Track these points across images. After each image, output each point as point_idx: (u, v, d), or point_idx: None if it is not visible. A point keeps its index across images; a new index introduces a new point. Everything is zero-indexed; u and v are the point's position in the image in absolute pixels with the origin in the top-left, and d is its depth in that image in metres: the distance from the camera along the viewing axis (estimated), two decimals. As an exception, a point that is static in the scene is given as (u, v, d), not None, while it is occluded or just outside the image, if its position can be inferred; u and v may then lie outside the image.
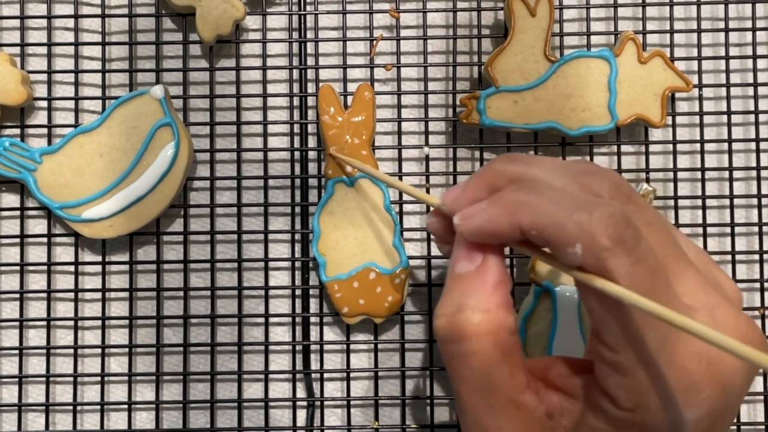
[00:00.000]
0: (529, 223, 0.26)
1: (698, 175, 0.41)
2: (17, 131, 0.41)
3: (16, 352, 0.41)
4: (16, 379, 0.41)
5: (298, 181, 0.41)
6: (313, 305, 0.41)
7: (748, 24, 0.42)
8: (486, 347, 0.27)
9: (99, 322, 0.41)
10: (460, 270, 0.28)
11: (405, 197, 0.41)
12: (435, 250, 0.41)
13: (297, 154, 0.41)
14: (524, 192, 0.27)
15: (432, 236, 0.31)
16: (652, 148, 0.42)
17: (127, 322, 0.41)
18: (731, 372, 0.26)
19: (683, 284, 0.27)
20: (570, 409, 0.28)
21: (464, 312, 0.27)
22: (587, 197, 0.27)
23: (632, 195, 0.28)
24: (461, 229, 0.28)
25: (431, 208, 0.31)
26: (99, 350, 0.41)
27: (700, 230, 0.41)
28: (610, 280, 0.25)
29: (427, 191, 0.41)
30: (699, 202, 0.41)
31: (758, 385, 0.41)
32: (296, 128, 0.41)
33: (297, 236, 0.41)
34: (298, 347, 0.41)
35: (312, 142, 0.42)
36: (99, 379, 0.41)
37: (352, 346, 0.41)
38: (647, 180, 0.41)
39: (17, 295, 0.41)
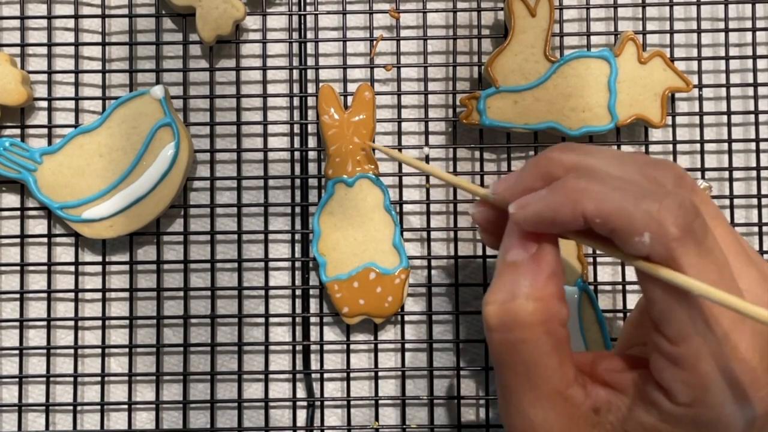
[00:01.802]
0: (593, 210, 0.26)
1: (698, 175, 0.41)
2: (17, 131, 0.41)
3: (16, 352, 0.41)
4: (16, 379, 0.41)
5: (298, 181, 0.41)
6: (313, 305, 0.41)
7: (748, 24, 0.42)
8: (539, 337, 0.27)
9: (99, 322, 0.41)
10: (513, 258, 0.28)
11: (405, 198, 0.41)
12: (435, 250, 0.41)
13: (297, 154, 0.41)
14: (587, 179, 0.26)
15: (477, 228, 0.30)
16: (652, 148, 0.42)
17: (127, 322, 0.41)
18: None
19: (744, 280, 0.27)
20: (617, 404, 0.27)
21: (518, 300, 0.27)
22: (653, 186, 0.26)
23: (695, 188, 0.28)
24: (517, 218, 0.27)
25: (475, 199, 0.31)
26: (99, 350, 0.41)
27: (700, 230, 0.41)
28: (677, 271, 0.25)
29: (427, 192, 0.41)
30: (699, 202, 0.41)
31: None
32: (296, 128, 0.41)
33: (297, 236, 0.41)
34: (298, 347, 0.41)
35: (312, 142, 0.42)
36: (99, 379, 0.41)
37: (352, 346, 0.41)
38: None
39: (17, 295, 0.41)
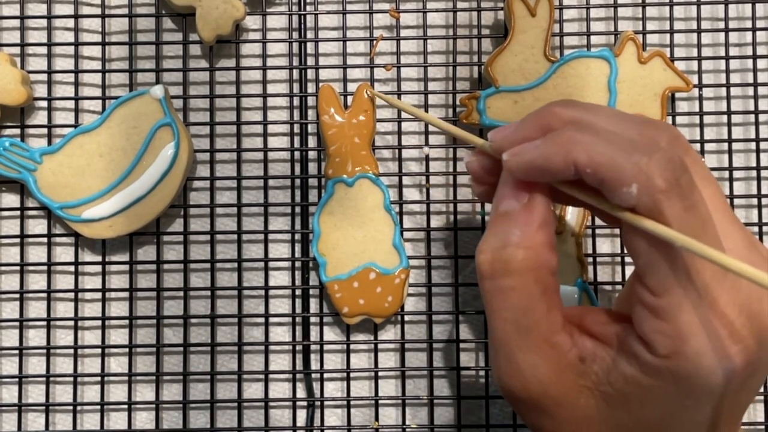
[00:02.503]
0: (585, 160, 0.26)
1: (698, 175, 0.41)
2: (17, 131, 0.41)
3: (16, 352, 0.41)
4: (16, 379, 0.41)
5: (298, 181, 0.41)
6: (313, 305, 0.41)
7: (748, 24, 0.42)
8: (528, 283, 0.28)
9: (99, 322, 0.41)
10: (505, 207, 0.29)
11: (405, 198, 0.41)
12: (435, 250, 0.41)
13: (297, 154, 0.41)
14: (582, 131, 0.27)
15: (472, 183, 0.31)
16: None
17: (127, 322, 0.41)
18: None
19: (729, 240, 0.27)
20: (602, 355, 0.28)
21: (508, 248, 0.28)
22: (646, 141, 0.27)
23: (690, 149, 0.28)
24: (510, 164, 0.28)
25: (471, 150, 0.31)
26: (99, 350, 0.41)
27: (700, 230, 0.41)
28: (662, 223, 0.25)
29: (428, 191, 0.41)
30: (699, 202, 0.41)
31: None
32: (296, 128, 0.41)
33: (297, 236, 0.41)
34: (298, 347, 0.41)
35: (312, 142, 0.42)
36: (99, 379, 0.41)
37: (352, 346, 0.41)
38: None
39: (17, 295, 0.41)
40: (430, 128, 0.41)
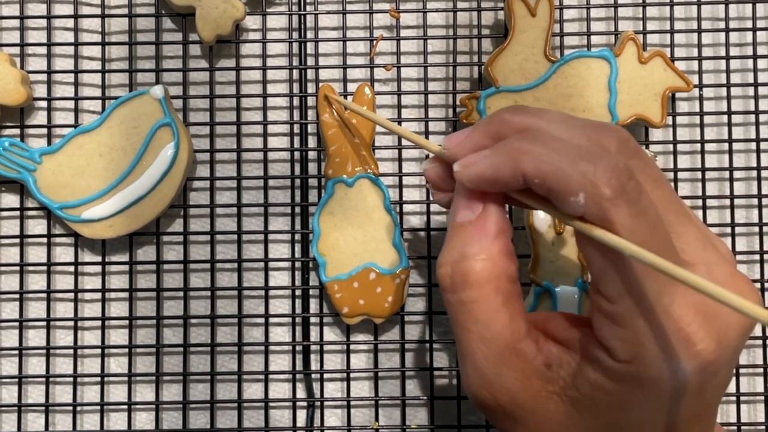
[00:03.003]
0: (532, 170, 0.26)
1: (698, 175, 0.41)
2: (17, 131, 0.41)
3: (16, 352, 0.41)
4: (16, 380, 0.41)
5: (298, 181, 0.41)
6: (313, 305, 0.41)
7: (749, 24, 0.42)
8: (488, 294, 0.28)
9: (99, 323, 0.41)
10: (461, 219, 0.29)
11: (405, 198, 0.41)
12: (435, 250, 0.41)
13: (297, 154, 0.41)
14: (529, 141, 0.27)
15: (428, 184, 0.32)
16: (653, 148, 0.42)
17: (127, 322, 0.41)
18: (726, 327, 0.26)
19: (683, 240, 0.27)
20: (568, 360, 0.28)
21: (466, 261, 0.28)
22: (592, 149, 0.27)
23: (639, 151, 0.28)
24: (461, 176, 0.28)
25: (430, 155, 0.31)
26: (99, 350, 0.41)
27: (700, 230, 0.41)
28: (611, 231, 0.25)
29: (427, 192, 0.41)
30: (699, 202, 0.41)
31: (759, 385, 0.41)
32: (296, 128, 0.41)
33: (297, 236, 0.41)
34: (298, 347, 0.41)
35: (312, 142, 0.42)
36: (99, 379, 0.41)
37: (352, 347, 0.41)
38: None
39: (17, 295, 0.41)
40: (430, 128, 0.41)
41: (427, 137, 0.41)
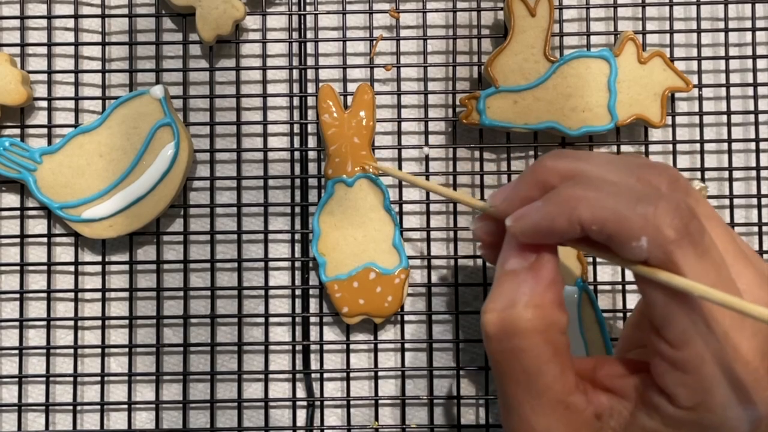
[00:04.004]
0: (589, 217, 0.25)
1: (698, 175, 0.41)
2: (17, 131, 0.41)
3: (16, 352, 0.41)
4: (16, 379, 0.41)
5: (298, 181, 0.41)
6: (313, 305, 0.41)
7: (748, 24, 0.42)
8: (538, 344, 0.27)
9: (99, 322, 0.41)
10: (512, 266, 0.28)
11: (405, 198, 0.41)
12: (435, 250, 0.41)
13: (297, 154, 0.41)
14: (582, 187, 0.26)
15: (478, 244, 0.31)
16: (652, 148, 0.42)
17: (127, 322, 0.41)
18: None
19: (743, 281, 0.26)
20: (619, 409, 0.27)
21: (516, 307, 0.27)
22: (647, 190, 0.26)
23: (690, 189, 0.27)
24: (515, 230, 0.27)
25: (476, 214, 0.31)
26: (99, 350, 0.41)
27: (699, 230, 0.41)
28: (676, 274, 0.25)
29: (428, 192, 0.41)
30: (699, 202, 0.41)
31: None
32: (296, 128, 0.41)
33: (297, 236, 0.41)
34: (298, 347, 0.41)
35: (312, 142, 0.42)
36: (99, 379, 0.41)
37: (352, 346, 0.41)
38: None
39: (17, 295, 0.41)
40: (430, 128, 0.42)
41: (426, 137, 0.41)
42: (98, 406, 0.41)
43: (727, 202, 0.41)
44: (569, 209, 0.26)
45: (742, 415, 0.25)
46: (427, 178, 0.41)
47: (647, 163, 0.28)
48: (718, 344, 0.25)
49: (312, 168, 0.41)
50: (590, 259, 0.41)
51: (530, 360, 0.27)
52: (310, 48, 0.41)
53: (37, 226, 0.41)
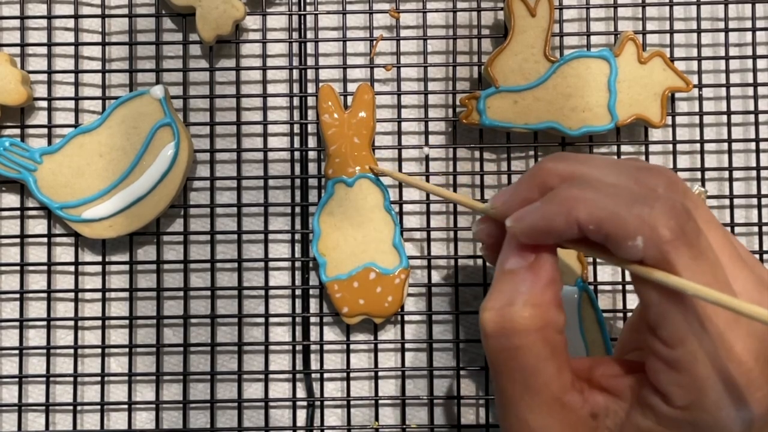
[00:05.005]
0: (586, 217, 0.26)
1: (698, 175, 0.41)
2: (17, 131, 0.41)
3: (16, 352, 0.41)
4: (16, 379, 0.41)
5: (298, 181, 0.41)
6: (313, 305, 0.41)
7: (748, 24, 0.42)
8: (535, 343, 0.27)
9: (99, 322, 0.41)
10: (511, 265, 0.28)
11: (405, 198, 0.41)
12: (435, 250, 0.41)
13: (297, 154, 0.41)
14: (580, 188, 0.27)
15: (479, 246, 0.31)
16: (652, 148, 0.42)
17: (127, 322, 0.41)
18: None
19: (739, 283, 0.27)
20: (615, 409, 0.27)
21: (515, 306, 0.27)
22: (645, 191, 0.26)
23: (688, 192, 0.28)
24: (515, 230, 0.28)
25: (478, 216, 0.31)
26: (99, 350, 0.41)
27: (700, 230, 0.41)
28: (671, 273, 0.25)
29: (427, 194, 0.41)
30: (699, 202, 0.41)
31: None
32: (296, 128, 0.41)
33: (297, 236, 0.41)
34: (298, 347, 0.41)
35: (312, 142, 0.42)
36: (99, 379, 0.41)
37: (352, 346, 0.41)
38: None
39: (17, 295, 0.41)
40: (430, 128, 0.42)
41: (426, 137, 0.41)
42: (98, 406, 0.41)
43: (727, 202, 0.41)
44: (567, 209, 0.26)
45: (735, 415, 0.25)
46: (427, 179, 0.41)
47: (645, 165, 0.28)
48: (712, 344, 0.25)
49: (312, 168, 0.41)
50: (590, 260, 0.41)
51: (527, 358, 0.27)
52: (310, 48, 0.41)
53: (37, 226, 0.41)
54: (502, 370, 0.28)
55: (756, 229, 0.41)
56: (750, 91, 0.42)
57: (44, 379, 0.40)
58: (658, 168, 0.28)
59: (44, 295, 0.41)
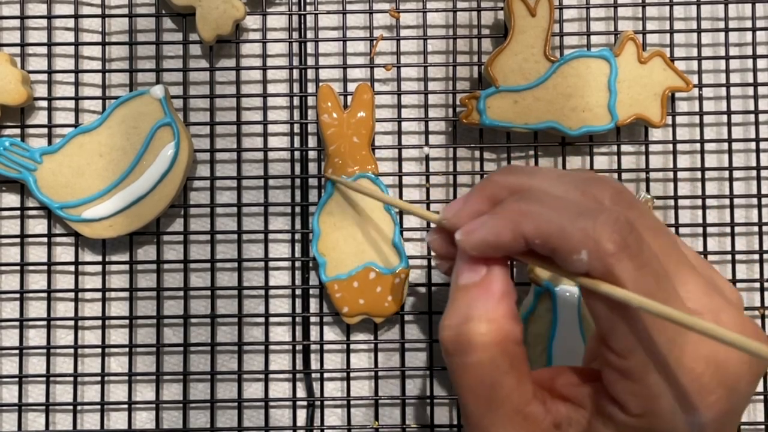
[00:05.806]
0: (532, 231, 0.26)
1: (698, 174, 0.41)
2: (17, 131, 0.41)
3: (16, 352, 0.41)
4: (16, 379, 0.41)
5: (298, 181, 0.41)
6: (313, 305, 0.41)
7: (748, 24, 0.42)
8: (493, 357, 0.27)
9: (99, 322, 0.41)
10: (464, 281, 0.28)
11: (405, 197, 0.41)
12: (435, 250, 0.41)
13: (297, 154, 0.41)
14: (526, 201, 0.27)
15: (432, 254, 0.31)
16: (652, 147, 0.42)
17: (127, 322, 0.41)
18: (736, 374, 0.26)
19: (687, 288, 0.27)
20: (577, 418, 0.28)
21: (470, 322, 0.27)
22: (590, 204, 0.27)
23: (634, 202, 0.28)
24: (464, 245, 0.28)
25: (432, 225, 0.31)
26: (99, 350, 0.41)
27: (700, 230, 0.41)
28: (617, 285, 0.25)
29: (428, 191, 0.41)
30: (699, 202, 0.41)
31: (759, 385, 0.41)
32: (296, 128, 0.41)
33: (297, 236, 0.41)
34: (298, 347, 0.41)
35: (312, 142, 0.42)
36: (99, 379, 0.41)
37: (352, 346, 0.41)
38: (647, 186, 0.41)
39: (17, 295, 0.41)
40: (430, 128, 0.42)
41: (426, 137, 0.41)
42: (98, 406, 0.41)
43: (727, 202, 0.41)
44: (513, 223, 0.27)
45: (689, 421, 0.26)
46: (427, 179, 0.41)
47: (593, 177, 0.29)
48: (662, 352, 0.26)
49: (312, 168, 0.41)
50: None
51: (487, 372, 0.27)
52: (310, 48, 0.41)
53: (38, 226, 0.41)
54: (464, 386, 0.28)
55: (756, 228, 0.41)
56: (750, 90, 0.42)
57: (44, 378, 0.41)
58: (604, 179, 0.28)
59: (44, 294, 0.41)
